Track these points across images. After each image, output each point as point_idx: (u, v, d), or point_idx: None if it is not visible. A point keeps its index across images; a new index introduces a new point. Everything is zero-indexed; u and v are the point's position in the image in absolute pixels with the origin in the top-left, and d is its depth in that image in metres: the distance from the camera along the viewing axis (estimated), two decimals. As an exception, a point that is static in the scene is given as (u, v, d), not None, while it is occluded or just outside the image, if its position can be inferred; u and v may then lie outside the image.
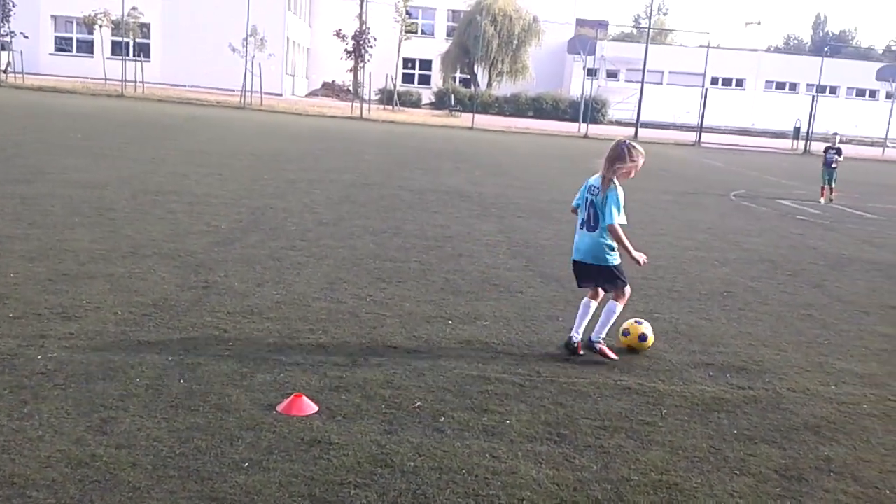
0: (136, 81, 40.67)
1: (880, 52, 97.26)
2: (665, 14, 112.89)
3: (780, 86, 66.50)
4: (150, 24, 51.01)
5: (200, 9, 51.04)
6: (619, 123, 54.72)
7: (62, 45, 54.09)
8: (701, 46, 63.02)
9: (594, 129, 44.07)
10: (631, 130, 44.98)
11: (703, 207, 15.27)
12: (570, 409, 4.62)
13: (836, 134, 19.22)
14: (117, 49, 46.97)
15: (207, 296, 6.30)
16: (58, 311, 5.58)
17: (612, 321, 5.66)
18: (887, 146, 49.97)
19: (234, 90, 42.22)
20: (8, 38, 42.19)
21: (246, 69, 39.67)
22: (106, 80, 43.65)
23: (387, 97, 50.67)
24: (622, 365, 5.49)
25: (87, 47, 53.03)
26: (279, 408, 4.25)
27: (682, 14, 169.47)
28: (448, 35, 62.93)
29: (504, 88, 59.61)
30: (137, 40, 48.41)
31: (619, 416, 4.58)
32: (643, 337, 5.79)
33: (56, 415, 3.96)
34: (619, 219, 5.47)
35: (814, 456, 4.28)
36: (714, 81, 62.43)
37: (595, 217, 5.54)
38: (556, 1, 62.68)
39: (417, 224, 10.51)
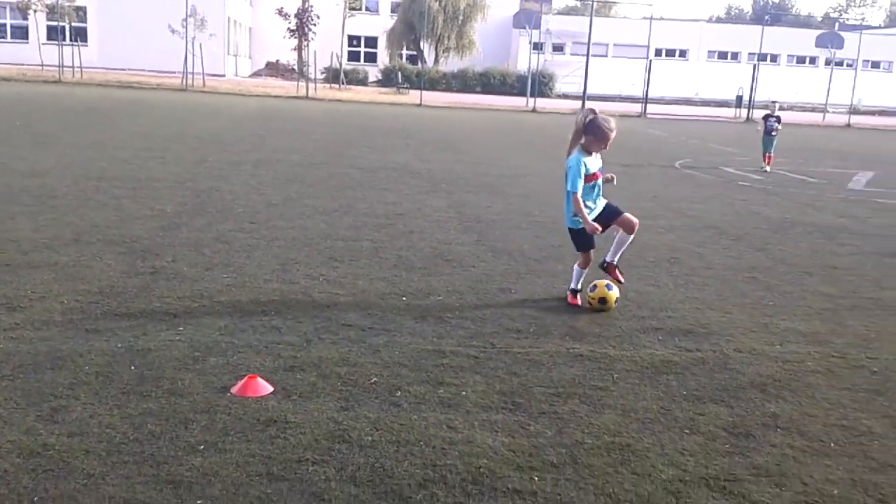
0: (73, 66, 39.61)
1: (819, 19, 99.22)
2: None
3: (723, 55, 67.37)
4: (85, 8, 49.59)
5: (137, -10, 49.79)
6: (566, 97, 54.97)
7: (-6, 32, 52.35)
8: (644, 18, 63.52)
9: (542, 102, 44.25)
10: (578, 104, 45.26)
11: (648, 177, 15.47)
12: (524, 378, 4.69)
13: (775, 102, 19.54)
14: (53, 34, 45.60)
15: (156, 281, 6.22)
16: (2, 301, 5.46)
17: (575, 276, 6.39)
18: (828, 112, 51.09)
19: (175, 72, 41.36)
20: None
21: (186, 50, 38.88)
22: (42, 65, 42.42)
23: (333, 75, 50.12)
24: (574, 333, 5.58)
25: (21, 33, 51.33)
26: (233, 390, 4.23)
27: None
28: (393, 11, 62.35)
29: (451, 64, 59.39)
30: (73, 24, 47.01)
31: (572, 383, 4.66)
32: (603, 300, 6.12)
33: (5, 406, 3.89)
34: (575, 186, 6.03)
35: (760, 413, 4.41)
36: (658, 53, 62.97)
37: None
38: (500, -25, 62.52)
39: (368, 202, 10.47)
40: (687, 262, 8.08)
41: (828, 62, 53.80)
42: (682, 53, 67.30)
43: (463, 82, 57.31)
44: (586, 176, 6.07)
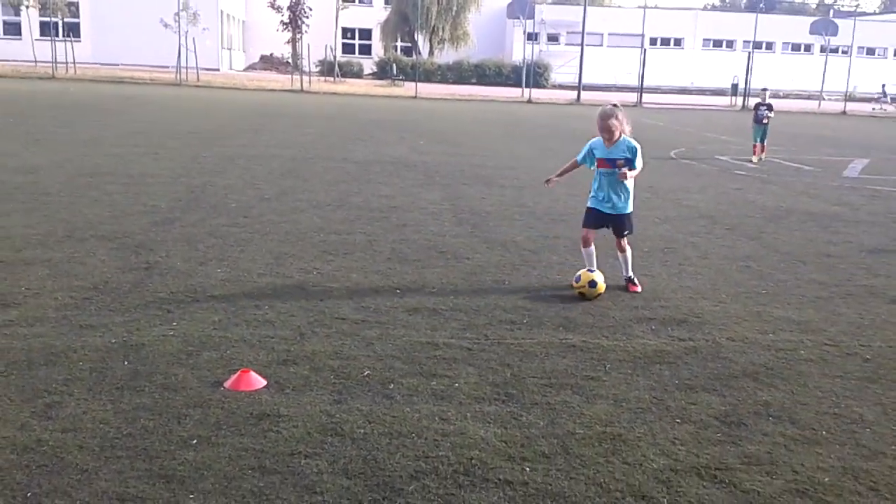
0: (66, 62, 39.50)
1: (813, 6, 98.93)
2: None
3: (718, 43, 67.35)
4: (78, 3, 49.44)
5: (130, -15, 49.59)
6: (561, 87, 54.94)
7: (-13, 28, 52.17)
8: (639, 7, 63.38)
9: (537, 93, 44.20)
10: (573, 94, 45.22)
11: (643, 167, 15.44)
12: (517, 369, 4.70)
13: (765, 89, 19.30)
14: (46, 30, 45.42)
15: (149, 277, 6.22)
16: (-5, 299, 5.46)
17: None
18: (823, 99, 51.11)
19: (169, 67, 41.25)
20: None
21: (180, 45, 38.77)
22: (36, 62, 42.32)
23: (327, 68, 50.03)
24: (567, 323, 5.59)
25: (14, 29, 51.20)
26: (226, 384, 4.24)
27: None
28: (387, 3, 62.22)
29: (446, 56, 59.33)
30: (66, 20, 46.93)
31: (565, 374, 4.67)
32: (593, 283, 6.15)
33: (-2, 403, 3.90)
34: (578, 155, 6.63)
35: (752, 401, 4.42)
36: (653, 42, 62.97)
37: None
38: (494, -35, 62.35)
39: (362, 196, 10.47)
40: (681, 251, 8.09)
41: (822, 49, 53.76)
42: (678, 42, 67.27)
43: (458, 74, 57.26)
44: (597, 160, 6.43)
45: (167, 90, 33.59)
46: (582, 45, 45.54)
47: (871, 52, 66.99)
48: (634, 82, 46.88)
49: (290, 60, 52.96)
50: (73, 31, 48.53)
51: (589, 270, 6.27)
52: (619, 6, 77.25)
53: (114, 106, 23.72)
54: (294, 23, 47.41)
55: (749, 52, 47.77)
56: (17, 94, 26.00)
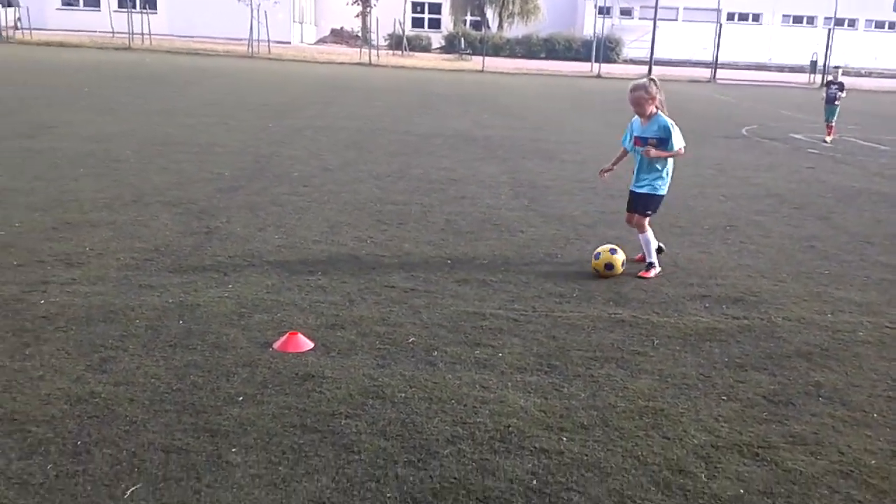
0: (142, 34, 40.42)
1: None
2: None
3: (798, 19, 64.99)
4: (155, -25, 50.49)
5: (205, -42, 50.40)
6: (633, 62, 53.87)
7: (69, 0, 53.68)
8: (716, -19, 61.54)
9: (607, 68, 43.47)
10: (644, 69, 44.33)
11: (712, 144, 15.12)
12: (562, 341, 4.69)
13: (837, 67, 18.47)
14: (123, 2, 46.54)
15: (209, 241, 6.38)
16: (61, 257, 5.68)
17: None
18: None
19: (241, 39, 41.86)
20: (14, -5, 41.97)
21: (252, 17, 39.27)
22: (113, 33, 43.35)
23: (396, 42, 50.06)
24: (617, 298, 5.54)
25: (93, 1, 52.61)
26: (275, 345, 4.34)
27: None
28: (458, -23, 61.74)
29: (515, 30, 58.66)
30: (143, -8, 47.91)
31: (611, 347, 4.64)
32: (609, 266, 5.99)
33: (56, 356, 4.07)
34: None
35: (803, 382, 4.33)
36: (730, 17, 61.09)
37: None
38: (567, -62, 61.29)
39: (422, 168, 10.51)
40: (744, 230, 7.91)
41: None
42: (756, 17, 65.12)
43: (527, 48, 56.62)
44: (633, 138, 6.15)
45: (240, 62, 34.14)
46: (655, 18, 44.50)
47: (962, 28, 63.79)
48: (710, 57, 45.67)
49: (359, 34, 53.19)
50: (149, 3, 49.58)
51: (611, 251, 6.05)
52: (696, -20, 75.11)
53: (187, 77, 24.23)
54: (364, -4, 47.50)
55: (829, 29, 46.01)
56: (94, 65, 26.77)
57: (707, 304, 5.53)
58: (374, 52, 40.68)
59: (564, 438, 3.54)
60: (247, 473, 3.12)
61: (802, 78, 47.58)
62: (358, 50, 44.51)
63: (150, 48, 38.85)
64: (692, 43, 58.09)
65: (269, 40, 40.62)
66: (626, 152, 6.38)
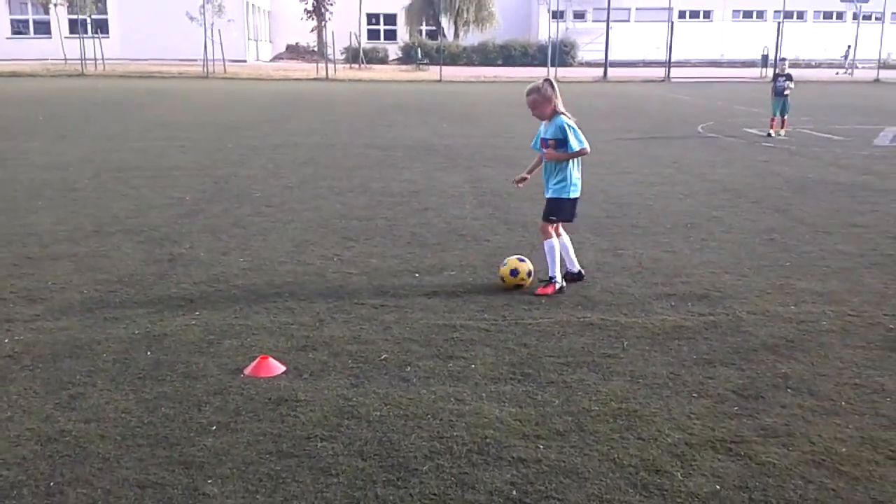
0: (95, 59, 39.98)
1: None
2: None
3: (748, 14, 66.13)
4: (105, -1, 49.98)
5: (155, -21, 49.99)
6: (588, 65, 54.42)
7: (18, 28, 52.97)
8: (665, -20, 62.40)
9: (563, 72, 43.83)
10: (600, 71, 44.79)
11: (668, 143, 15.33)
12: (533, 348, 4.72)
13: (784, 59, 18.72)
14: (75, 27, 45.96)
15: (173, 268, 6.32)
16: (23, 294, 5.60)
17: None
18: (856, 68, 50.07)
19: (196, 60, 41.55)
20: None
21: (206, 37, 39.02)
22: (66, 60, 42.83)
23: (352, 55, 50.07)
24: (586, 302, 5.59)
25: (44, 28, 51.88)
26: (246, 371, 4.31)
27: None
28: (411, -13, 61.95)
29: (471, 38, 58.99)
30: (94, 16, 47.35)
31: (582, 352, 4.68)
32: (514, 272, 5.81)
33: (24, 395, 4.00)
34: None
35: (771, 374, 4.40)
36: (682, 15, 61.94)
37: None
38: (517, -56, 61.78)
39: (384, 181, 10.51)
40: (704, 226, 8.02)
41: (855, 16, 52.56)
42: (707, 14, 66.17)
43: (483, 56, 56.94)
44: (541, 142, 6.03)
45: (194, 83, 33.87)
46: (608, 20, 45.01)
47: (905, 16, 65.33)
48: (663, 57, 46.27)
49: (315, 49, 53.09)
50: (101, 27, 49.04)
51: (519, 259, 5.91)
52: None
53: (142, 100, 23.99)
54: (318, 10, 47.47)
55: (779, 22, 46.88)
56: (48, 92, 26.40)
57: (673, 303, 5.60)
58: (330, 66, 40.65)
59: (541, 446, 3.56)
60: None
61: (755, 73, 48.38)
62: (314, 65, 44.42)
63: (103, 73, 38.42)
64: (645, 43, 58.85)
65: (224, 60, 40.38)
66: (541, 158, 6.18)
